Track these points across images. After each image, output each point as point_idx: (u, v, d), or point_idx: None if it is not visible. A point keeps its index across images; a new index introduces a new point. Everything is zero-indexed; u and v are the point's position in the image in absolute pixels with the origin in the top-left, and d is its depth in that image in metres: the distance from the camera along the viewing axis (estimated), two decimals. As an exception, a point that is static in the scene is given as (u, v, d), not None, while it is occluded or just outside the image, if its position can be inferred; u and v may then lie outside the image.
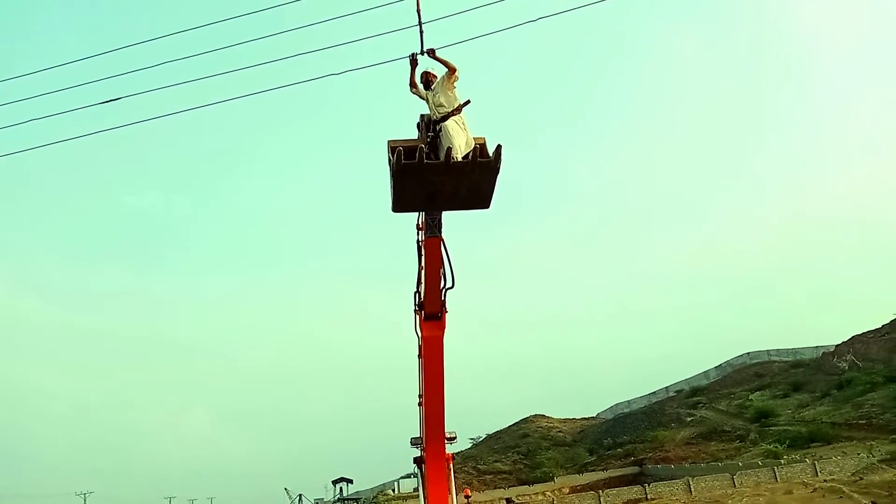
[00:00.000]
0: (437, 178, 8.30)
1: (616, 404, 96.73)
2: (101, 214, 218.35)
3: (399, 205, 8.86)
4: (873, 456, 44.85)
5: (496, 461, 78.41)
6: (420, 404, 14.27)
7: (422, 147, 8.38)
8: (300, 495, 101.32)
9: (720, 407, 73.06)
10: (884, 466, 42.72)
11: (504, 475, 73.89)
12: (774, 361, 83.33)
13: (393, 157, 8.34)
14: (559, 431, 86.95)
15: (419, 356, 13.32)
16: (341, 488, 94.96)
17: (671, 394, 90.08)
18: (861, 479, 41.61)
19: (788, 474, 45.76)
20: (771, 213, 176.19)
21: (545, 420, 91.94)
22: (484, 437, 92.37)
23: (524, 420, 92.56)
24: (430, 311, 11.82)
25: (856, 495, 36.79)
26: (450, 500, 14.99)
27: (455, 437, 15.70)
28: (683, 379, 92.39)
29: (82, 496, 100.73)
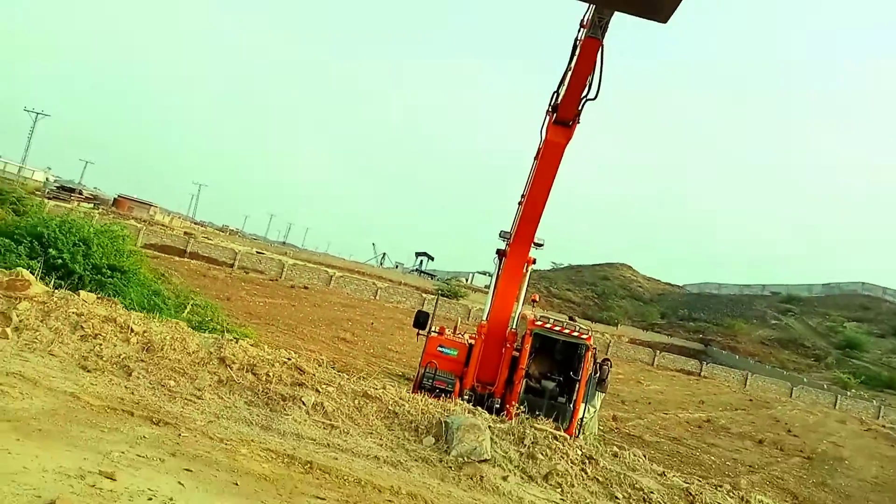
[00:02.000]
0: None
1: (706, 282, 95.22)
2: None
3: None
4: (946, 421, 43.25)
5: (568, 290, 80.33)
6: (520, 203, 14.43)
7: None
8: (384, 254, 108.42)
9: (810, 322, 70.88)
10: (952, 434, 41.27)
11: (571, 305, 75.97)
12: (887, 301, 78.66)
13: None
14: (639, 286, 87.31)
15: (535, 157, 13.30)
16: (422, 261, 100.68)
17: (766, 293, 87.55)
18: (923, 436, 40.57)
19: (849, 407, 45.00)
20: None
21: (630, 271, 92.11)
22: (566, 265, 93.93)
23: (610, 264, 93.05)
24: (563, 116, 11.45)
25: (908, 448, 36.15)
26: (517, 297, 15.51)
27: (543, 245, 16.03)
28: (785, 283, 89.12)
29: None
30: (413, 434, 5.94)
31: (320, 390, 6.13)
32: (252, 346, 6.57)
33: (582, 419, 14.13)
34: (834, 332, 66.07)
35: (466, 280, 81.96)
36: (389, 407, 6.17)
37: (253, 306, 39.92)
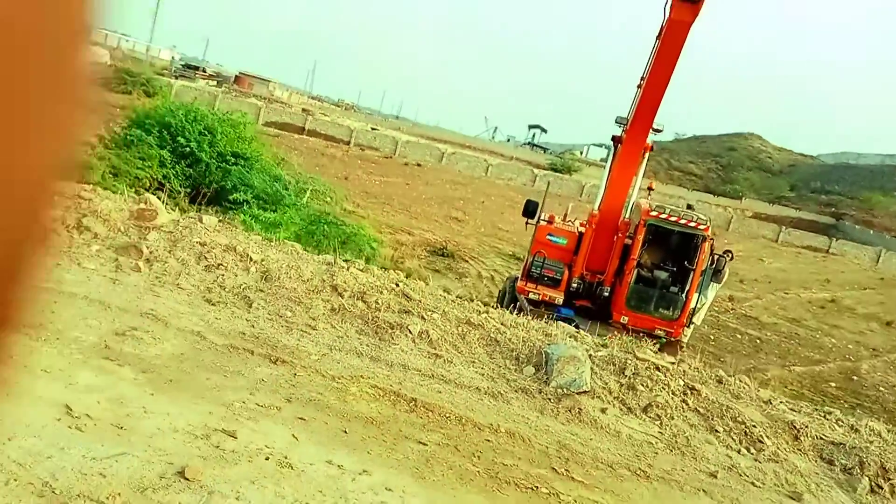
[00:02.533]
0: None
1: (844, 152, 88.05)
2: None
3: None
4: None
5: (691, 162, 76.90)
6: (639, 86, 13.79)
7: None
8: (496, 127, 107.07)
9: (961, 195, 64.71)
10: None
11: (692, 178, 72.98)
12: None
13: None
14: (768, 157, 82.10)
15: (657, 37, 12.60)
16: (534, 134, 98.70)
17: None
18: None
19: None
20: None
21: (759, 141, 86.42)
22: (689, 136, 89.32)
23: (737, 134, 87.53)
24: None
25: None
26: (632, 185, 15.18)
27: (662, 130, 15.49)
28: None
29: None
30: (514, 363, 6.14)
31: (425, 317, 6.39)
32: (361, 271, 6.87)
33: (694, 310, 14.00)
34: None
35: (581, 153, 79.99)
36: (491, 335, 6.36)
37: (369, 185, 41.06)
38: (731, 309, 27.89)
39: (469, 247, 28.91)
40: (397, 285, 6.75)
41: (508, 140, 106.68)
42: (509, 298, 15.44)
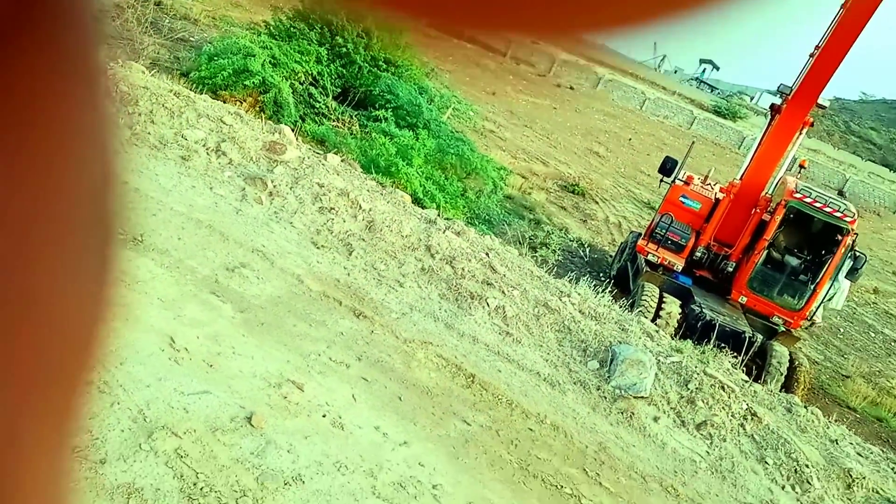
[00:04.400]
0: None
1: None
2: None
3: None
4: None
5: (872, 129, 69.66)
6: (812, 55, 12.90)
7: None
8: (664, 56, 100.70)
9: None
10: None
11: (871, 147, 66.38)
12: None
13: None
14: (968, 135, 72.62)
15: (842, 5, 11.71)
16: (704, 69, 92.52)
17: None
18: None
19: None
20: None
21: (962, 115, 76.40)
22: (878, 98, 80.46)
23: (937, 102, 77.81)
24: None
25: None
26: (782, 159, 14.51)
27: (826, 107, 14.51)
28: None
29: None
30: (581, 354, 6.39)
31: (506, 292, 6.72)
32: (457, 234, 7.25)
33: (819, 305, 13.39)
34: None
35: (752, 99, 74.34)
36: (565, 322, 6.60)
37: (516, 104, 40.64)
38: (874, 302, 25.96)
39: (603, 187, 28.35)
40: (487, 255, 7.09)
41: (675, 72, 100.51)
42: (628, 254, 15.36)
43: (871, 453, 6.60)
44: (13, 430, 0.24)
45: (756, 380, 11.72)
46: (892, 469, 6.43)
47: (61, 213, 0.24)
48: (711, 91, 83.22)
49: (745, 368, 11.65)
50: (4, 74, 0.23)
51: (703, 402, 6.14)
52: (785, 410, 6.61)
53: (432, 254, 6.87)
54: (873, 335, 21.94)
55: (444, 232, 7.14)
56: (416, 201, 11.91)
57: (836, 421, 7.17)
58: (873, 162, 59.13)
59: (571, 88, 50.09)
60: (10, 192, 0.23)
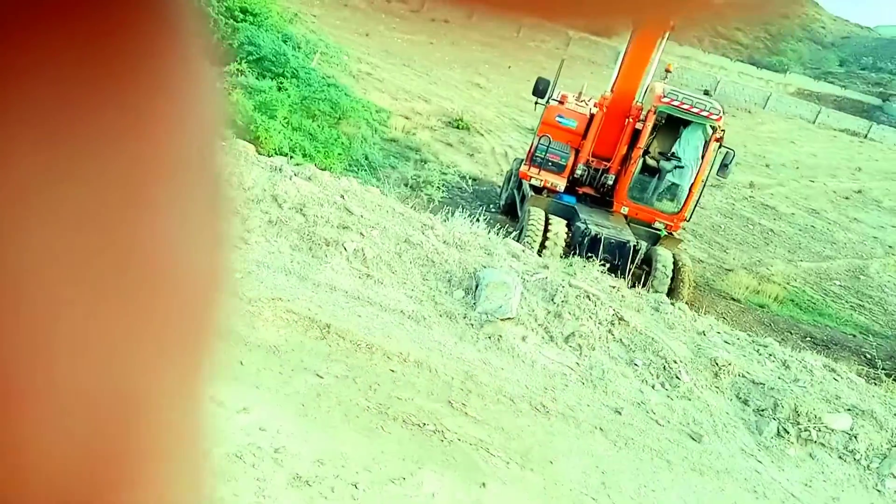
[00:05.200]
0: None
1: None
2: None
3: None
4: None
5: (738, 29, 72.43)
6: None
7: None
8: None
9: None
10: None
11: (738, 47, 69.14)
12: None
13: None
14: (822, 27, 77.06)
15: None
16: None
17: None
18: None
19: None
20: None
21: (815, 10, 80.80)
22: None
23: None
24: None
25: None
26: (647, 65, 14.65)
27: None
28: None
29: None
30: (446, 286, 6.19)
31: (364, 234, 6.40)
32: (307, 180, 6.82)
33: (696, 203, 13.81)
34: None
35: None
36: (429, 255, 6.37)
37: (391, 43, 39.62)
38: (750, 196, 27.26)
39: (487, 118, 28.21)
40: (343, 197, 6.72)
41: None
42: (514, 182, 15.31)
43: (738, 339, 6.79)
44: (150, 393, 0.24)
45: (644, 286, 12.08)
46: (758, 351, 6.64)
47: (168, 164, 0.25)
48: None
49: (633, 276, 12.00)
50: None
51: (570, 314, 6.09)
52: (653, 310, 6.68)
53: (279, 203, 6.44)
54: (751, 227, 23.10)
55: (291, 179, 6.70)
56: (284, 156, 11.30)
57: (704, 313, 7.34)
58: (741, 61, 61.72)
59: (446, 21, 49.33)
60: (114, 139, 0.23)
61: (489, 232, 8.00)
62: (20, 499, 0.21)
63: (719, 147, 13.56)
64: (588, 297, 6.23)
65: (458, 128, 25.29)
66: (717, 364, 6.07)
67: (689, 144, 13.55)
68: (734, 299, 15.26)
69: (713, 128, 13.41)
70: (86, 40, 0.21)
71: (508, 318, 5.94)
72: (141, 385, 0.23)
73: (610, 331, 6.11)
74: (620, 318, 6.21)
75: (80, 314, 0.22)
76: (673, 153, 13.89)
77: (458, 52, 42.68)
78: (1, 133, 0.21)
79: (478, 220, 8.83)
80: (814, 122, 45.57)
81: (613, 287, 6.79)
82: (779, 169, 33.34)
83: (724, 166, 14.04)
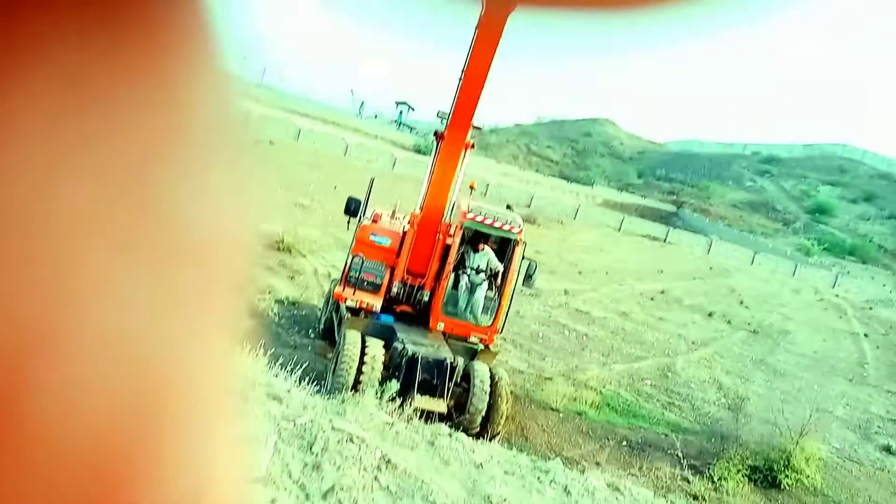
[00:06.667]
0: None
1: (688, 140, 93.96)
2: None
3: None
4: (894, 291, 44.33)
5: (549, 147, 79.07)
6: (460, 80, 13.22)
7: None
8: (363, 102, 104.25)
9: (785, 185, 70.81)
10: (897, 303, 42.39)
11: (550, 163, 75.09)
12: (864, 164, 78.18)
13: None
14: (620, 144, 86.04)
15: (476, 26, 12.07)
16: (402, 111, 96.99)
17: (747, 152, 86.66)
18: (871, 308, 41.59)
19: (808, 275, 45.71)
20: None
21: (612, 128, 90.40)
22: (549, 120, 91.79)
23: (593, 120, 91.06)
24: None
25: (855, 321, 37.09)
26: (453, 183, 14.88)
27: (482, 129, 15.21)
28: (767, 143, 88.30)
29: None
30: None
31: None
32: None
33: (507, 314, 13.93)
34: (807, 195, 66.22)
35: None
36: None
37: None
38: (566, 303, 28.36)
39: (311, 238, 27.73)
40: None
41: (376, 117, 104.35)
42: (332, 304, 14.83)
43: (520, 467, 6.53)
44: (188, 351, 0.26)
45: (465, 403, 11.81)
46: (539, 479, 6.39)
47: (200, 126, 0.26)
48: (411, 131, 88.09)
49: (453, 395, 11.72)
50: None
51: (330, 463, 5.51)
52: (428, 445, 6.28)
53: None
54: (568, 333, 23.89)
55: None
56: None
57: (521, 428, 7.03)
58: (553, 176, 66.88)
59: (271, 143, 49.39)
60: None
61: (269, 368, 7.34)
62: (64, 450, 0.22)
63: (522, 259, 13.93)
64: (352, 439, 5.72)
65: (279, 250, 24.61)
66: (491, 501, 5.69)
67: (495, 258, 13.88)
68: (553, 409, 15.33)
69: (515, 241, 13.81)
70: (105, 6, 0.22)
71: (256, 480, 5.24)
72: (178, 350, 0.24)
73: (376, 477, 5.58)
74: (388, 461, 5.72)
75: (121, 277, 0.23)
76: (479, 267, 14.12)
77: (283, 173, 42.51)
78: (33, 96, 0.21)
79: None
80: (619, 230, 49.64)
81: (388, 423, 6.32)
82: (590, 275, 35.32)
83: (528, 277, 14.44)
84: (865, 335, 33.35)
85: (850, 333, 33.92)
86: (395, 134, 76.24)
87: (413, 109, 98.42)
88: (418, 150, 63.11)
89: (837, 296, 42.13)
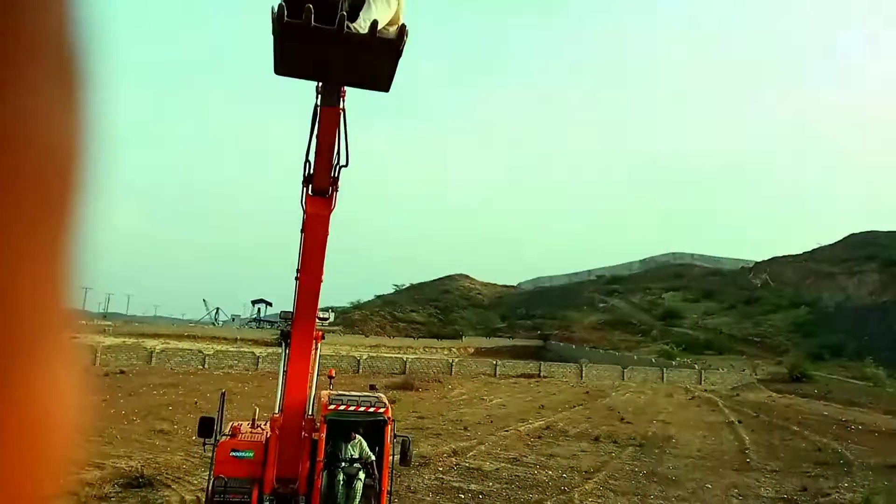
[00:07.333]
0: (329, 46, 6.78)
1: (539, 277, 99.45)
2: None
3: (282, 68, 7.29)
4: (755, 374, 47.30)
5: (413, 311, 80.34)
6: (297, 279, 13.22)
7: (309, 7, 6.66)
8: (217, 308, 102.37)
9: (633, 299, 75.68)
10: (760, 386, 45.11)
11: (417, 325, 75.93)
12: (696, 266, 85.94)
13: (276, 10, 6.62)
14: (479, 293, 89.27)
15: (301, 230, 12.28)
16: (259, 309, 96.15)
17: (592, 278, 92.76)
18: (738, 394, 43.95)
19: (675, 377, 47.89)
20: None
21: (468, 281, 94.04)
22: (407, 286, 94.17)
23: (449, 277, 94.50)
24: (319, 186, 10.44)
25: (727, 410, 38.88)
26: (310, 379, 14.36)
27: (328, 318, 15.05)
28: (608, 266, 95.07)
29: None
30: None
31: None
32: None
33: (390, 495, 13.27)
34: (654, 304, 71.03)
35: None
36: None
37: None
38: (456, 465, 27.61)
39: (175, 465, 25.60)
40: None
41: (233, 320, 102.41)
42: None
43: None
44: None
45: None
46: None
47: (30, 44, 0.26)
48: (272, 326, 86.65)
49: None
50: None
51: None
52: None
53: None
54: (462, 496, 23.11)
55: None
56: None
57: None
58: (423, 337, 67.48)
59: (122, 373, 46.60)
60: None
61: None
62: None
63: (394, 437, 13.60)
64: None
65: (139, 486, 22.49)
66: None
67: (367, 443, 13.45)
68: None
69: (383, 420, 13.50)
70: None
71: None
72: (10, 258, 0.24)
73: None
74: None
75: None
76: (352, 457, 13.62)
77: (137, 401, 39.82)
78: None
79: None
80: (495, 375, 50.19)
81: None
82: (475, 428, 34.89)
83: (403, 454, 14.02)
84: (739, 421, 34.89)
85: (726, 423, 35.35)
86: (255, 332, 74.67)
87: (271, 304, 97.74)
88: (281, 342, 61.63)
89: (706, 390, 44.30)
